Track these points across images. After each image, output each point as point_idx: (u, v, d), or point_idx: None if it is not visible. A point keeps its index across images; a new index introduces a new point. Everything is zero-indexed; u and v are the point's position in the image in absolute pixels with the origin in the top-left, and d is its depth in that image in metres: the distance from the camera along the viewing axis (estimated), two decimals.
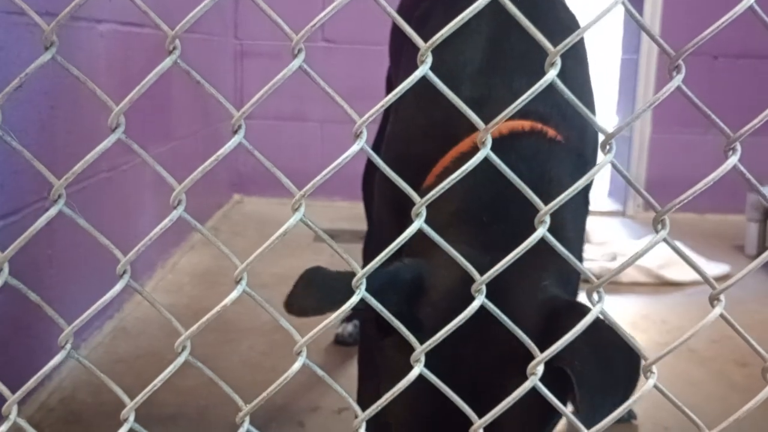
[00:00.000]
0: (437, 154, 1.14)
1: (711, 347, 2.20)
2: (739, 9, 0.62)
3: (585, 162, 1.18)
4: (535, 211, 0.69)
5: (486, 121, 0.67)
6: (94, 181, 2.04)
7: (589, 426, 0.75)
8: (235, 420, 0.74)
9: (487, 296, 0.71)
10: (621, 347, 0.78)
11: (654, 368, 0.72)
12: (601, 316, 0.72)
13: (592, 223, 3.67)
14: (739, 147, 0.66)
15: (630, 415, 1.77)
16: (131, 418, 0.71)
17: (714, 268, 2.92)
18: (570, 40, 0.63)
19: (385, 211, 1.43)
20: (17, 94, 0.70)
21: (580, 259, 1.14)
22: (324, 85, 0.66)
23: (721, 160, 0.68)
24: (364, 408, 0.74)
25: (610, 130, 0.67)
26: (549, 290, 0.94)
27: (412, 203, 0.70)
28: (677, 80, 0.65)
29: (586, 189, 1.26)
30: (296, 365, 0.71)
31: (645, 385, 0.72)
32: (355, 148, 0.66)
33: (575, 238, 1.11)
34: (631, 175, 0.69)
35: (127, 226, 2.37)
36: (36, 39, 1.62)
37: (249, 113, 0.67)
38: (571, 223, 1.08)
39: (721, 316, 0.72)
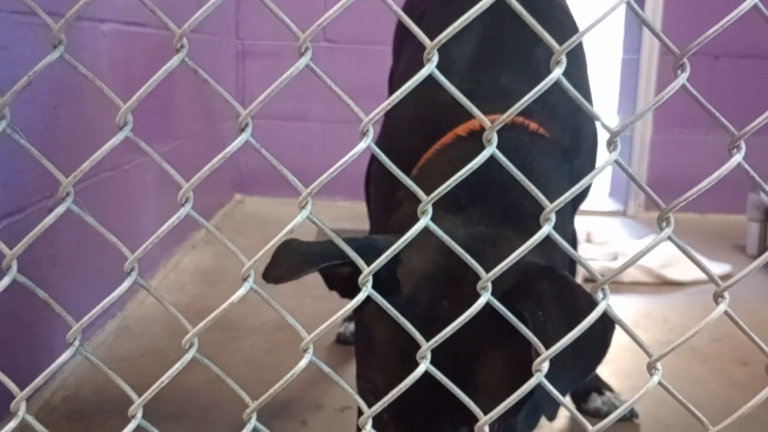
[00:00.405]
0: (424, 148, 1.17)
1: (713, 346, 2.21)
2: (744, 7, 0.62)
3: (571, 158, 1.19)
4: (511, 196, 0.71)
5: (470, 117, 0.69)
6: (97, 181, 2.05)
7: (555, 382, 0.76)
8: (239, 417, 0.75)
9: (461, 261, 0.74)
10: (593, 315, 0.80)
11: (659, 365, 0.72)
12: (607, 313, 0.72)
13: (593, 223, 3.69)
14: (743, 145, 0.67)
15: (632, 414, 1.77)
16: (139, 414, 0.71)
17: (715, 268, 2.92)
18: (575, 39, 0.63)
19: (379, 207, 1.45)
20: (21, 94, 0.71)
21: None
22: (330, 83, 0.66)
23: (722, 161, 0.68)
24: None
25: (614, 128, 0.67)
26: (526, 258, 0.95)
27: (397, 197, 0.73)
28: (682, 78, 0.65)
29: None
30: (303, 362, 0.71)
31: (650, 382, 0.72)
32: (361, 146, 0.67)
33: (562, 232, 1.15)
34: (633, 175, 0.69)
35: (130, 226, 2.37)
36: (39, 38, 1.62)
37: (251, 113, 0.67)
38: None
39: (725, 313, 0.72)
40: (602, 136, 1.25)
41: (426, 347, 0.72)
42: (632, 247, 3.28)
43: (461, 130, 1.13)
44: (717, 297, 0.72)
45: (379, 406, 0.73)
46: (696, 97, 0.66)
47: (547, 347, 0.77)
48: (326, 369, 0.73)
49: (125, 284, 0.68)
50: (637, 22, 4.08)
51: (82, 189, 1.92)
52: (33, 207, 1.67)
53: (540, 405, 0.90)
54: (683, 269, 2.85)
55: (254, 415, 0.73)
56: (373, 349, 0.97)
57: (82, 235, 1.87)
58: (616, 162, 0.67)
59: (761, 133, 1.51)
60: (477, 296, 0.72)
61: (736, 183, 2.53)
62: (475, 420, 0.74)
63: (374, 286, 0.72)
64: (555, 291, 0.80)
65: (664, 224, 0.68)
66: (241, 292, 0.69)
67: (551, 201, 0.68)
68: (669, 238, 0.68)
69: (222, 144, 0.81)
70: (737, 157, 0.66)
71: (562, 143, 1.18)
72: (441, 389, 0.74)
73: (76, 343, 0.70)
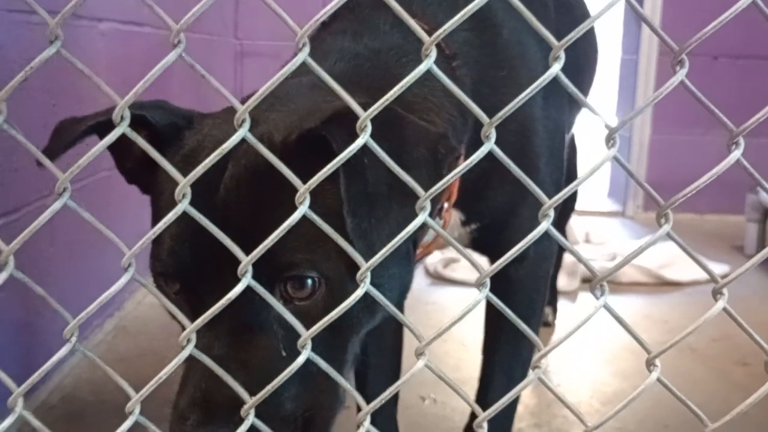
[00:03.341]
0: None
1: (712, 346, 2.21)
2: (742, 3, 0.62)
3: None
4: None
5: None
6: (94, 179, 2.04)
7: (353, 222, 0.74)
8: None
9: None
10: (421, 134, 0.79)
11: (658, 362, 0.72)
12: (605, 310, 0.72)
13: (591, 224, 3.69)
14: (742, 141, 0.67)
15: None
16: (137, 410, 0.71)
17: (714, 268, 2.90)
18: (575, 34, 0.63)
19: None
20: (19, 92, 0.70)
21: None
22: (328, 77, 0.66)
23: (720, 161, 0.68)
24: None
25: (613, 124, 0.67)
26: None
27: None
28: (681, 74, 0.65)
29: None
30: (300, 358, 0.71)
31: (648, 378, 0.72)
32: (359, 142, 0.67)
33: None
34: (632, 173, 0.69)
35: (128, 224, 2.37)
36: (36, 37, 1.62)
37: (248, 110, 0.67)
38: None
39: (724, 310, 0.72)
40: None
41: (246, 261, 0.69)
42: (630, 247, 3.28)
43: None
44: (716, 294, 0.72)
45: (372, 406, 0.73)
46: (694, 92, 0.66)
47: (362, 180, 0.74)
48: (323, 365, 0.73)
49: (122, 280, 0.68)
50: (636, 22, 4.08)
51: (81, 187, 1.92)
52: (30, 206, 1.66)
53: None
54: (682, 269, 2.85)
55: (252, 412, 0.72)
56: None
57: (80, 232, 1.87)
58: (615, 158, 0.67)
59: (760, 135, 1.50)
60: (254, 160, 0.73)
61: (735, 184, 2.54)
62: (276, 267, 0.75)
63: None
64: (378, 118, 0.69)
65: (662, 221, 0.68)
66: (239, 288, 0.69)
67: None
68: (668, 234, 0.68)
69: None
70: (736, 153, 0.66)
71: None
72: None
73: (73, 339, 0.70)
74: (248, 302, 0.77)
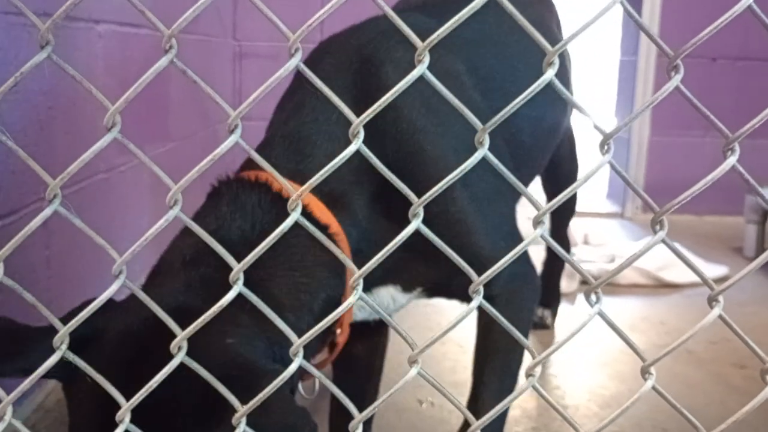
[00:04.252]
0: None
1: (709, 349, 2.20)
2: (738, 8, 0.62)
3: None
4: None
5: None
6: (91, 182, 2.04)
7: None
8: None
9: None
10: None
11: (652, 369, 0.72)
12: (600, 317, 0.72)
13: (590, 225, 3.69)
14: (737, 147, 0.66)
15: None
16: (127, 419, 0.70)
17: (712, 270, 2.92)
18: (569, 39, 0.63)
19: None
20: (15, 95, 0.70)
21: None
22: (321, 84, 0.66)
23: (719, 163, 0.68)
24: None
25: (608, 130, 0.67)
26: (228, 350, 0.89)
27: None
28: (676, 80, 0.65)
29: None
30: (293, 366, 0.70)
31: (643, 387, 0.72)
32: (352, 148, 0.66)
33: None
34: (629, 178, 0.69)
35: (125, 227, 2.37)
36: (34, 39, 1.61)
37: (246, 114, 0.67)
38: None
39: (720, 317, 0.71)
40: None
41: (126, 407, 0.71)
42: (629, 249, 3.28)
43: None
44: (711, 301, 0.71)
45: (365, 414, 0.72)
46: (690, 98, 0.66)
47: None
48: (316, 373, 0.73)
49: (113, 287, 0.67)
50: (635, 23, 4.07)
51: (77, 191, 1.92)
52: (27, 209, 1.66)
53: None
54: (680, 271, 2.85)
55: (243, 420, 0.72)
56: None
57: (76, 237, 1.86)
58: (610, 164, 0.67)
59: (758, 137, 1.49)
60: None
61: (734, 185, 2.53)
62: None
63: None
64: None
65: (657, 227, 0.68)
66: (231, 295, 0.68)
67: None
68: (663, 241, 0.68)
69: (217, 145, 0.81)
70: (731, 160, 0.66)
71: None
72: None
73: (63, 347, 0.70)
74: None
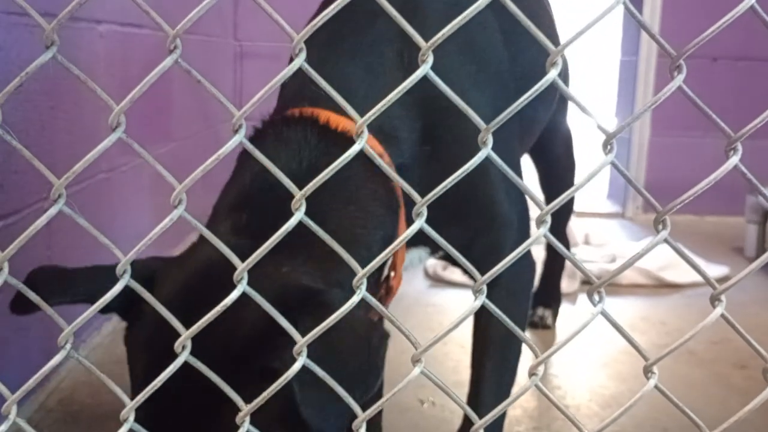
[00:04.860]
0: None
1: (710, 349, 2.20)
2: (740, 8, 0.62)
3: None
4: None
5: None
6: (93, 182, 2.04)
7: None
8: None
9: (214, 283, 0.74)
10: (354, 346, 0.79)
11: (655, 369, 0.72)
12: (603, 317, 0.72)
13: (591, 225, 3.69)
14: (740, 147, 0.66)
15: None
16: (131, 418, 0.71)
17: (713, 270, 2.92)
18: (571, 40, 0.63)
19: None
20: (17, 95, 0.70)
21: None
22: (325, 84, 0.66)
23: (720, 163, 0.68)
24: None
25: (610, 130, 0.67)
26: (286, 277, 0.91)
27: None
28: (678, 80, 0.65)
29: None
30: (296, 365, 0.71)
31: (645, 386, 0.72)
32: (356, 147, 0.66)
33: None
34: (630, 177, 0.69)
35: (126, 227, 2.37)
36: (36, 39, 1.61)
37: (248, 114, 0.67)
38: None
39: (722, 316, 0.72)
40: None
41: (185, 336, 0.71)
42: (630, 249, 3.28)
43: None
44: (713, 300, 0.71)
45: (368, 414, 0.73)
46: (692, 98, 0.66)
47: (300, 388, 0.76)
48: (320, 372, 0.73)
49: (117, 287, 0.68)
50: (635, 23, 4.08)
51: (79, 190, 1.92)
52: (30, 208, 1.66)
53: None
54: (681, 271, 2.85)
55: (247, 419, 0.72)
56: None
57: (78, 236, 1.86)
58: (612, 164, 0.67)
59: (759, 137, 1.50)
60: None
61: (735, 185, 2.53)
62: None
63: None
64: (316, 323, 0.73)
65: (660, 227, 0.68)
66: (234, 294, 0.69)
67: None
68: (665, 240, 0.68)
69: (220, 146, 0.82)
70: (734, 159, 0.66)
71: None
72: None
73: (68, 346, 0.70)
74: None
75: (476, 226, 1.22)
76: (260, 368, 0.81)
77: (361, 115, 0.66)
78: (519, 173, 1.37)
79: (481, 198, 1.20)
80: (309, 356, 0.71)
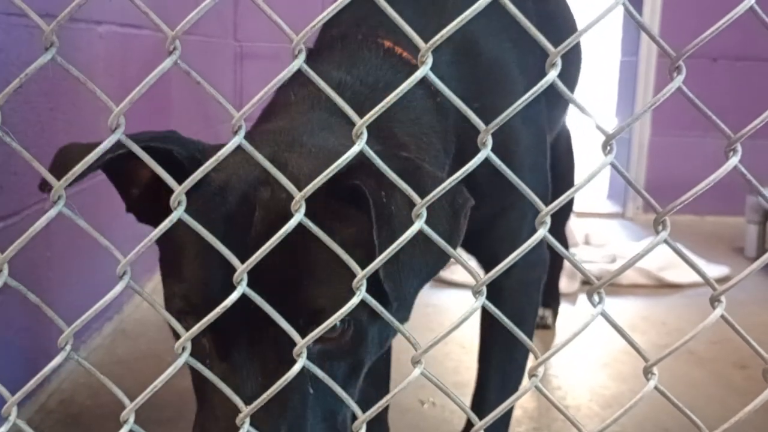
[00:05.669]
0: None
1: (711, 349, 2.20)
2: (740, 9, 0.62)
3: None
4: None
5: None
6: (93, 183, 2.04)
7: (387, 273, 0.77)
8: None
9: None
10: (440, 207, 0.79)
11: (655, 369, 0.72)
12: (603, 317, 0.72)
13: (591, 225, 3.69)
14: (740, 147, 0.66)
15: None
16: (131, 419, 0.71)
17: (713, 270, 2.92)
18: (571, 40, 0.63)
19: None
20: (17, 96, 0.70)
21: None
22: (324, 85, 0.66)
23: (720, 163, 0.68)
24: None
25: (610, 130, 0.67)
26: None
27: None
28: (678, 81, 0.65)
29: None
30: (296, 366, 0.71)
31: (646, 387, 0.72)
32: (355, 148, 0.66)
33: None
34: (630, 178, 0.69)
35: (126, 229, 2.37)
36: (35, 40, 1.61)
37: (248, 115, 0.67)
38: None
39: (722, 317, 0.72)
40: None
41: (242, 269, 0.69)
42: (631, 249, 3.28)
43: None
44: (713, 301, 0.71)
45: (368, 414, 0.73)
46: (692, 99, 0.66)
47: (390, 227, 0.77)
48: (320, 374, 0.73)
49: (117, 288, 0.68)
50: (635, 24, 4.08)
51: (78, 192, 1.92)
52: (29, 210, 1.66)
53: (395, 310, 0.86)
54: (682, 271, 2.85)
55: (248, 420, 0.72)
56: (184, 262, 0.88)
57: (77, 238, 1.86)
58: (612, 165, 0.67)
59: (759, 137, 1.50)
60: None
61: (735, 185, 2.53)
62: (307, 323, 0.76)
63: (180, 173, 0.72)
64: (398, 169, 0.73)
65: (660, 228, 0.68)
66: (234, 296, 0.69)
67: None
68: (665, 241, 0.68)
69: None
70: (733, 160, 0.66)
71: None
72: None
73: (68, 347, 0.70)
74: (279, 344, 0.80)
75: (503, 205, 1.24)
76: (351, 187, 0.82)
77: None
78: (546, 158, 1.39)
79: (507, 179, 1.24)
80: (405, 222, 0.73)
